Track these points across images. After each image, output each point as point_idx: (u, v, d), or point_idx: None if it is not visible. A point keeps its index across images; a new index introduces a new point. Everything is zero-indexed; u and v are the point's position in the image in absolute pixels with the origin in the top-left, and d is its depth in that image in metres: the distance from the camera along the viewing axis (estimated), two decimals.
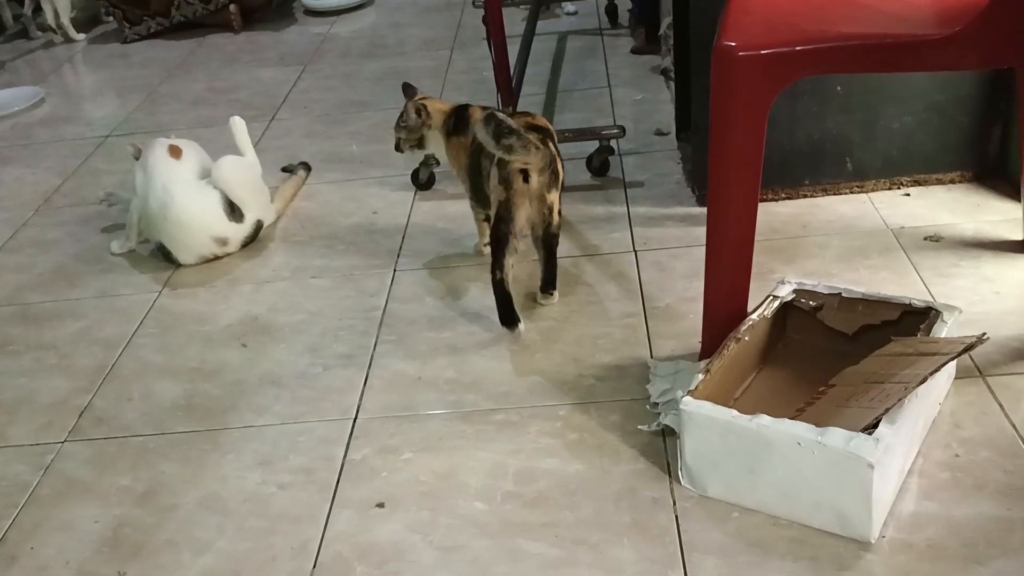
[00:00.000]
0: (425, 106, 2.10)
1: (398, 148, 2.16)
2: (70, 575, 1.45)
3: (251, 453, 1.66)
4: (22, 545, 1.52)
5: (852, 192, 2.22)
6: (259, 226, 2.33)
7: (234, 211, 2.26)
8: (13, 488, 1.65)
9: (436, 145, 2.13)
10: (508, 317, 1.85)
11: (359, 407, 1.74)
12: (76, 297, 2.22)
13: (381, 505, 1.51)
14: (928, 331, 1.51)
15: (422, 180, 2.49)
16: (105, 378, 1.91)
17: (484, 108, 2.08)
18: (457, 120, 2.08)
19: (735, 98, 1.49)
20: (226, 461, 1.65)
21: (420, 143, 2.12)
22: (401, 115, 2.13)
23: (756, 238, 1.59)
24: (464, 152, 2.05)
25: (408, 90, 2.18)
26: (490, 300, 1.93)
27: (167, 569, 1.44)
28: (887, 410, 1.33)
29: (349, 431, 1.68)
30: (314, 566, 1.41)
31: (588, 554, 1.37)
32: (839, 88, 2.12)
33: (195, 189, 2.25)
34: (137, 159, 2.32)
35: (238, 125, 2.41)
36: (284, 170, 2.68)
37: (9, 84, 3.76)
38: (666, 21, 2.83)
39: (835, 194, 2.22)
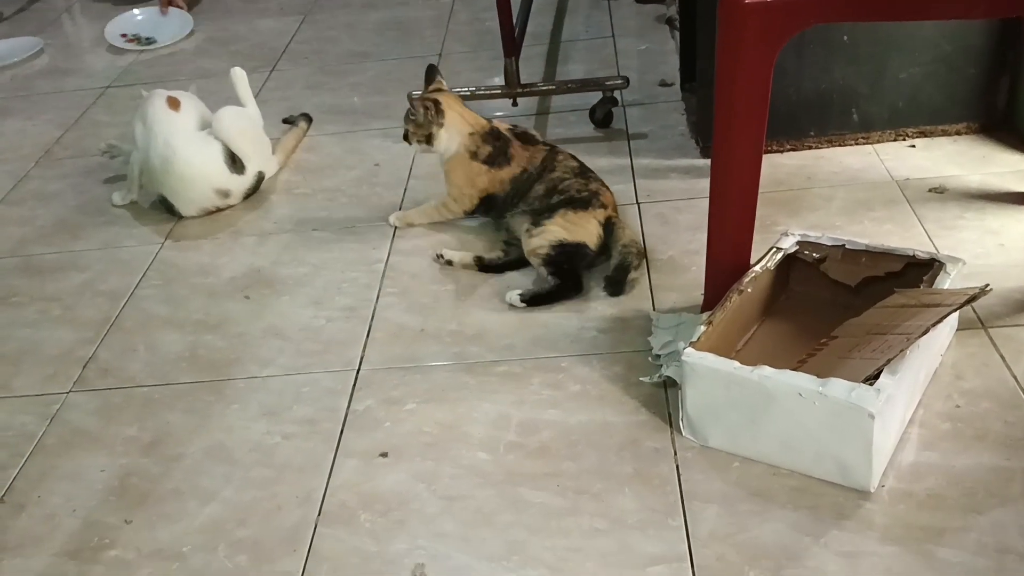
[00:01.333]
0: (438, 103, 1.99)
1: (406, 139, 2.05)
2: (77, 523, 1.47)
3: (256, 404, 1.67)
4: (29, 494, 1.54)
5: (858, 144, 2.20)
6: (261, 178, 2.32)
7: (235, 163, 2.24)
8: (19, 438, 1.66)
9: (447, 148, 2.02)
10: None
11: (362, 359, 1.74)
12: (79, 249, 2.22)
13: (385, 455, 1.52)
14: (931, 283, 1.51)
15: (419, 142, 2.46)
16: (109, 329, 1.92)
17: (522, 136, 2.04)
18: (497, 153, 1.99)
19: (741, 47, 1.47)
20: (231, 412, 1.66)
21: (429, 140, 2.01)
22: (409, 110, 2.02)
23: (760, 190, 1.58)
24: (490, 181, 2.01)
25: (430, 73, 2.11)
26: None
27: (173, 518, 1.46)
28: (889, 361, 1.34)
29: (352, 382, 1.69)
30: (319, 514, 1.43)
31: (590, 503, 1.39)
32: (846, 38, 2.10)
33: (196, 141, 2.23)
34: None
35: (239, 76, 2.39)
36: (285, 122, 2.66)
37: (7, 35, 3.72)
38: None
39: (840, 146, 2.20)
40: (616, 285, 1.81)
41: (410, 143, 2.05)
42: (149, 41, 3.41)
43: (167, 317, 1.94)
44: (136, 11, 3.56)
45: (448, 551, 1.34)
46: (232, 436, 1.60)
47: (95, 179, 2.52)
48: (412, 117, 2.01)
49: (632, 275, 1.81)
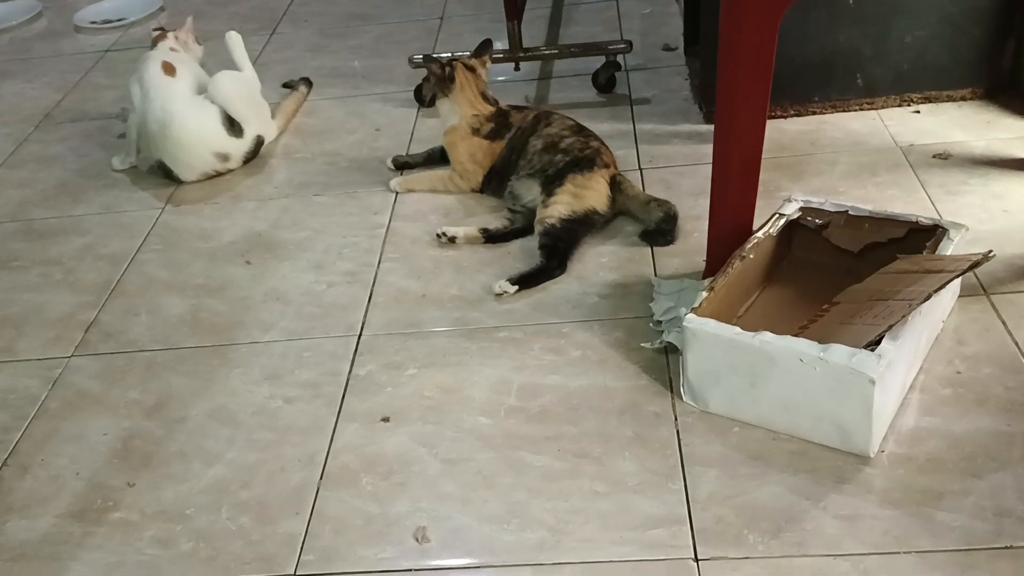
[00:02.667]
0: (453, 77, 2.02)
1: (420, 94, 2.07)
2: (81, 485, 1.48)
3: (258, 368, 1.67)
4: (33, 456, 1.55)
5: (862, 109, 2.19)
6: (260, 142, 2.31)
7: (233, 126, 2.23)
8: (23, 401, 1.67)
9: (446, 118, 2.06)
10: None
11: (364, 323, 1.75)
12: (80, 213, 2.21)
13: (387, 419, 1.53)
14: (934, 249, 1.51)
15: (426, 96, 2.46)
16: (111, 293, 1.92)
17: (515, 107, 2.07)
18: (499, 127, 2.04)
19: (745, 10, 1.45)
20: (234, 375, 1.66)
21: (431, 102, 2.05)
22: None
23: (763, 155, 1.58)
24: (485, 154, 2.03)
25: (483, 47, 2.11)
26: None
27: (178, 479, 1.47)
28: (890, 327, 1.33)
29: (354, 347, 1.69)
30: (321, 477, 1.44)
31: (591, 466, 1.39)
32: (851, 0, 2.08)
33: (194, 106, 2.22)
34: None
35: (234, 40, 2.37)
36: (285, 86, 2.64)
37: None
38: None
39: (844, 110, 2.19)
40: (666, 234, 1.83)
41: (424, 100, 2.06)
42: (120, 21, 3.36)
43: (168, 281, 1.94)
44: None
45: (449, 513, 1.35)
46: (235, 399, 1.61)
47: (95, 143, 2.51)
48: (429, 76, 2.06)
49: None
